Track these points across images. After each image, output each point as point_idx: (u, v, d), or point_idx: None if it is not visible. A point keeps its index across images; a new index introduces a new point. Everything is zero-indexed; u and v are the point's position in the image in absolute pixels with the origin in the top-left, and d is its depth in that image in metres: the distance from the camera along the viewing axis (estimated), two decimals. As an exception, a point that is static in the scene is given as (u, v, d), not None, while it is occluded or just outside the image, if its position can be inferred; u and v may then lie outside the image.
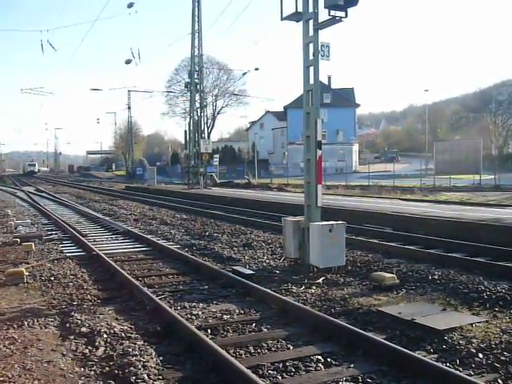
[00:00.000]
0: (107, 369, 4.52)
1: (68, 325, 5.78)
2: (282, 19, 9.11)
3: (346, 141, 70.75)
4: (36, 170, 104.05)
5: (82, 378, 4.36)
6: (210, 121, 71.26)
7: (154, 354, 4.79)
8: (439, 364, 4.29)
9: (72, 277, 8.27)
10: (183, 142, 52.73)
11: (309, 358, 4.66)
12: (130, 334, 5.37)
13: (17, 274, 8.00)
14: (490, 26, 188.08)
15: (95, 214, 18.99)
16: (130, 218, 17.53)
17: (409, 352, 4.46)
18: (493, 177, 32.61)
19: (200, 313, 6.18)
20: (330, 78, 72.76)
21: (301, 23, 8.87)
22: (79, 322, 5.81)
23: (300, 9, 8.78)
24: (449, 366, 4.34)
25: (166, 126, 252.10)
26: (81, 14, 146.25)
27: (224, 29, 56.68)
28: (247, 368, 4.23)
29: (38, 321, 5.93)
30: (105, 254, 9.91)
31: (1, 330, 5.59)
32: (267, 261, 9.47)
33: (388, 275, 7.38)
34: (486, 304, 6.25)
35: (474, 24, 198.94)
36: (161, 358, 4.71)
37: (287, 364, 4.54)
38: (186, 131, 38.66)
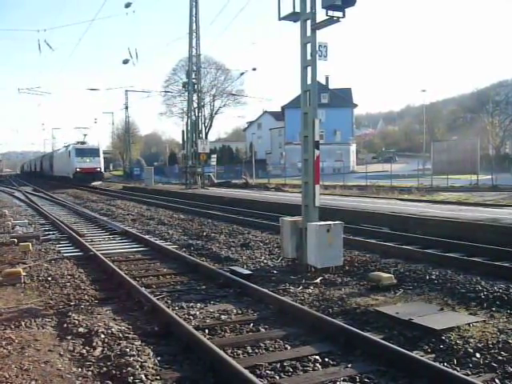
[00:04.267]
0: (105, 369, 4.51)
1: (65, 325, 5.77)
2: (280, 19, 9.11)
3: (343, 141, 70.70)
4: (100, 169, 47.60)
5: (80, 378, 4.36)
6: (207, 121, 71.06)
7: (151, 354, 4.79)
8: (437, 364, 4.30)
9: (69, 277, 8.26)
10: (181, 142, 52.79)
11: (306, 358, 4.67)
12: (127, 335, 5.37)
13: (14, 274, 7.99)
14: (487, 26, 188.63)
15: (92, 214, 18.96)
16: (127, 218, 17.51)
17: (406, 352, 4.47)
18: (490, 177, 32.64)
19: (198, 313, 6.18)
20: (327, 78, 72.70)
21: (298, 23, 8.87)
22: (76, 322, 5.80)
23: (298, 9, 8.77)
24: (446, 366, 4.35)
25: (163, 126, 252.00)
26: (78, 14, 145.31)
27: (222, 29, 56.74)
28: (245, 368, 4.23)
29: (35, 321, 5.92)
30: (102, 254, 9.90)
31: (-2, 330, 5.57)
32: (265, 261, 9.47)
33: (385, 275, 7.39)
34: (484, 304, 6.26)
35: (471, 24, 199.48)
36: (158, 359, 4.71)
37: (285, 364, 4.55)
38: (183, 131, 38.81)
